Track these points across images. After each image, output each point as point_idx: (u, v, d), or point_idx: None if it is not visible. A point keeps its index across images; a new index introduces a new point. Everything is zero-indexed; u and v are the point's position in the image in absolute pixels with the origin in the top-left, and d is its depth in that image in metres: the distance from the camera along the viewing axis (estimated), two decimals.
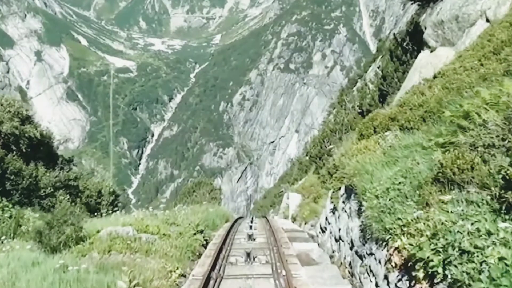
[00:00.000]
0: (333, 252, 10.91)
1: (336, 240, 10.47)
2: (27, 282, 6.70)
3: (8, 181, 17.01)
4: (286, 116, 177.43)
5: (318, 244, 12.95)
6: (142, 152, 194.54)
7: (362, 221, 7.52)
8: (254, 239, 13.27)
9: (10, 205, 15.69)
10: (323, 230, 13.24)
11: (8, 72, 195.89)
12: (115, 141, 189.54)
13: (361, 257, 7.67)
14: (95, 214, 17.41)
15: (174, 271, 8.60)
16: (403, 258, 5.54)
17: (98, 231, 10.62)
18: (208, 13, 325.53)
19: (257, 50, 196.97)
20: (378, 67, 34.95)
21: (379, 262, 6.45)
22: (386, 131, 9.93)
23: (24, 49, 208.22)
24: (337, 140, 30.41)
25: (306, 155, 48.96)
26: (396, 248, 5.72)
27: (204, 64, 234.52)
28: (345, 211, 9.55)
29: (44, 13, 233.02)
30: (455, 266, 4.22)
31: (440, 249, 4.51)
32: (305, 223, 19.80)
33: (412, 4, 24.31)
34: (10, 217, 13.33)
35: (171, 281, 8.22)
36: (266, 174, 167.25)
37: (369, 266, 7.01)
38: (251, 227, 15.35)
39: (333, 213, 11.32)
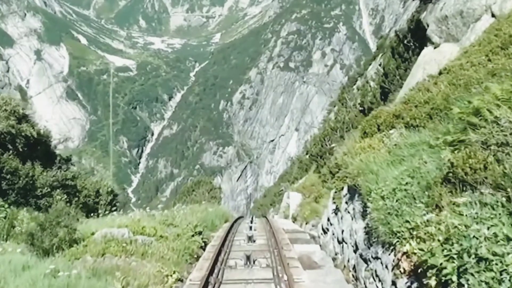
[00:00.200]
0: (335, 254, 10.57)
1: (339, 242, 10.13)
2: None
3: (4, 180, 16.76)
4: (286, 114, 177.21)
5: (320, 246, 12.62)
6: (142, 151, 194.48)
7: (367, 223, 7.19)
8: (254, 241, 12.92)
9: (6, 205, 15.46)
10: (325, 231, 12.91)
11: (8, 71, 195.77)
12: (115, 140, 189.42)
13: (366, 260, 7.34)
14: (93, 214, 17.12)
15: (171, 276, 8.25)
16: (412, 263, 5.24)
17: (92, 233, 10.29)
18: (208, 12, 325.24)
19: (257, 49, 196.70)
20: (380, 65, 34.63)
21: (386, 266, 6.13)
22: (390, 129, 9.62)
23: (24, 48, 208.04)
24: (338, 138, 30.11)
25: (306, 154, 48.69)
26: (404, 253, 5.43)
27: (204, 63, 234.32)
28: (349, 212, 9.21)
29: (44, 12, 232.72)
30: (472, 275, 3.93)
31: (455, 256, 4.22)
32: (306, 223, 19.51)
33: (413, 0, 23.99)
34: (5, 217, 13.05)
35: (167, 286, 7.89)
36: (266, 173, 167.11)
37: (375, 271, 6.68)
38: (251, 228, 15.04)
39: (336, 214, 10.99)
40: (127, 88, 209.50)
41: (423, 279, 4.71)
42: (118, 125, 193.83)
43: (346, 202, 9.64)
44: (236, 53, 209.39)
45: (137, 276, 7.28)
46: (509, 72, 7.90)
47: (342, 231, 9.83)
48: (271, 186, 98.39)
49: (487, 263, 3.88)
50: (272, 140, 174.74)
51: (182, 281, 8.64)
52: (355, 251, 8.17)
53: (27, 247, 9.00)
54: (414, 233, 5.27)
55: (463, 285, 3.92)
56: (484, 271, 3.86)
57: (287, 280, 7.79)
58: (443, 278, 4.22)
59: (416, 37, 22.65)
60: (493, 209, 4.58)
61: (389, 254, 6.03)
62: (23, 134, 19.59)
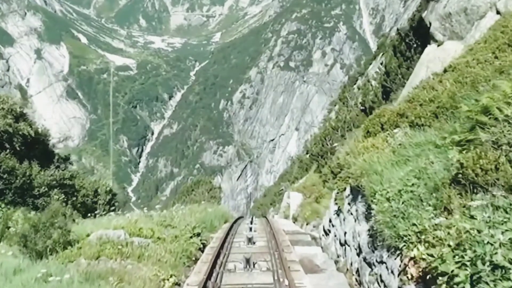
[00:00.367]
0: (338, 257, 10.29)
1: (341, 244, 9.86)
2: None
3: (1, 180, 16.53)
4: (286, 114, 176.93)
5: (322, 248, 12.35)
6: (142, 150, 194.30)
7: (371, 226, 6.92)
8: (254, 243, 12.63)
9: (3, 205, 15.25)
10: (326, 233, 12.63)
11: (8, 70, 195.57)
12: (115, 139, 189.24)
13: (370, 264, 7.07)
14: (90, 214, 16.85)
15: (168, 280, 7.95)
16: (420, 269, 4.99)
17: (88, 235, 9.99)
18: (208, 11, 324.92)
19: (257, 48, 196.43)
20: (381, 64, 34.36)
21: (392, 272, 5.86)
22: (394, 128, 9.36)
23: (24, 47, 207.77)
24: (339, 137, 29.85)
25: (307, 153, 48.41)
26: (412, 258, 5.17)
27: (204, 62, 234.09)
28: (351, 214, 8.94)
29: (44, 11, 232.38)
30: (487, 284, 3.68)
31: (467, 263, 3.96)
32: (306, 224, 19.26)
33: None
34: (0, 217, 12.80)
35: None
36: (266, 172, 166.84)
37: (380, 275, 6.41)
38: (250, 229, 14.75)
39: (338, 215, 10.71)
40: (127, 87, 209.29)
41: (432, 286, 4.46)
42: (118, 124, 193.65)
43: (349, 203, 9.37)
44: (236, 53, 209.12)
45: (132, 280, 6.98)
46: None
47: (345, 233, 9.56)
48: (271, 185, 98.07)
49: (503, 271, 3.65)
50: (272, 140, 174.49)
51: (179, 285, 8.34)
52: (358, 254, 7.90)
53: (20, 249, 8.72)
54: (422, 237, 5.04)
55: None
56: (501, 280, 3.62)
57: (288, 285, 7.51)
58: (455, 286, 3.98)
59: (418, 35, 22.41)
60: (506, 212, 4.34)
61: (395, 259, 5.77)
62: (20, 132, 19.38)
